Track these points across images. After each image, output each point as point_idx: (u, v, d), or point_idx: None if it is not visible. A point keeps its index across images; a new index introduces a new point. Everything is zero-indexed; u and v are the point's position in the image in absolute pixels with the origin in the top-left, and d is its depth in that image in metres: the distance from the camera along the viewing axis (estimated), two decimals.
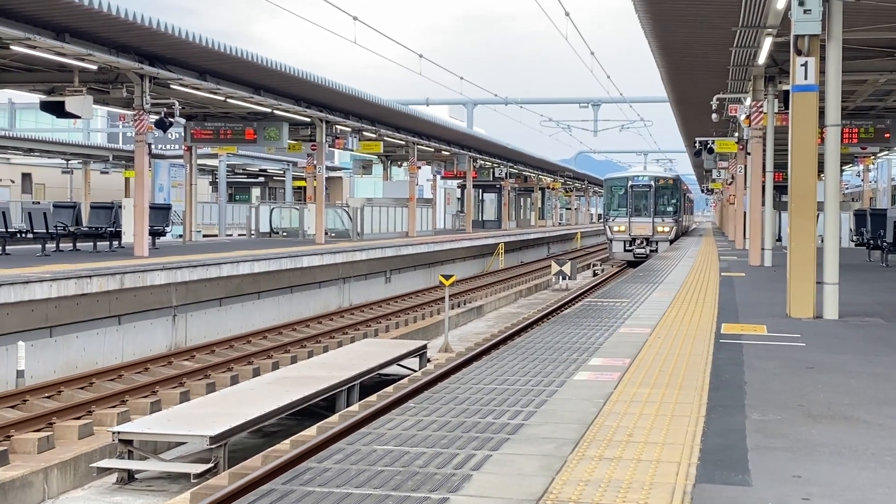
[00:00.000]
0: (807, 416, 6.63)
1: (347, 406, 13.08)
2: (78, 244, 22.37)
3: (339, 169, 60.43)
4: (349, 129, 30.86)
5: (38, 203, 32.04)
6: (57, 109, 19.08)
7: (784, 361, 8.94)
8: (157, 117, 21.78)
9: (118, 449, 10.35)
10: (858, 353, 9.58)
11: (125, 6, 16.22)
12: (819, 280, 12.52)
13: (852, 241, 30.38)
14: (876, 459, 5.53)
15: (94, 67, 18.99)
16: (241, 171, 55.33)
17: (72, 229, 21.69)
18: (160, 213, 24.46)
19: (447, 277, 19.97)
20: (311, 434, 10.96)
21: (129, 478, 10.17)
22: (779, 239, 30.57)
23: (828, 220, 12.69)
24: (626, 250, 41.87)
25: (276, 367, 16.29)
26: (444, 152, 42.99)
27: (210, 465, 9.92)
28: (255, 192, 61.54)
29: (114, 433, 10.39)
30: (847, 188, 61.88)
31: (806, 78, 12.15)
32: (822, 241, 12.76)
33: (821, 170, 12.77)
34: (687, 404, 6.99)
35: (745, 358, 9.11)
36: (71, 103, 18.84)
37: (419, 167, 40.50)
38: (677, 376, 8.13)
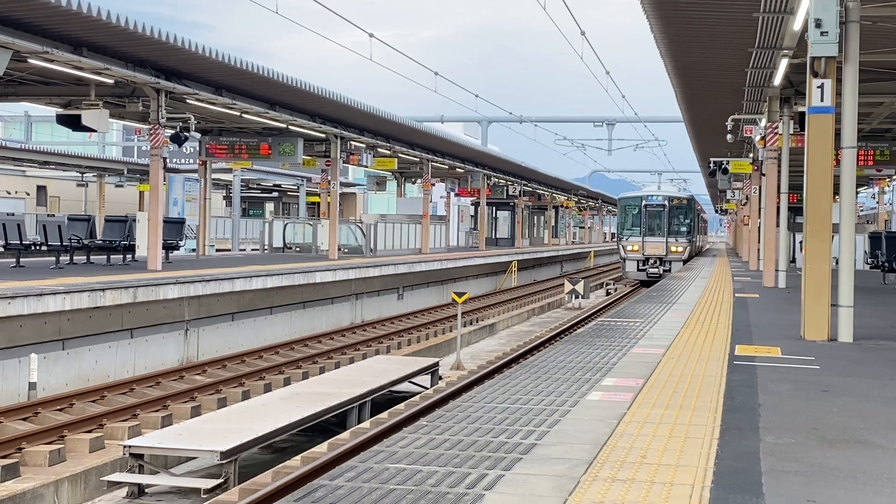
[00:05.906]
0: (821, 440, 6.58)
1: (359, 423, 13.05)
2: (92, 257, 22.43)
3: (354, 185, 60.58)
4: (364, 146, 30.92)
5: (53, 216, 32.18)
6: (73, 123, 19.18)
7: (798, 384, 8.89)
8: (172, 132, 21.82)
9: (129, 463, 10.35)
10: (873, 377, 9.52)
11: (142, 21, 16.31)
12: (834, 302, 12.45)
13: (867, 263, 30.28)
14: (892, 485, 5.49)
15: (111, 81, 19.07)
16: (255, 186, 55.49)
17: (86, 242, 21.73)
18: (174, 227, 24.52)
19: (460, 295, 19.94)
20: (323, 451, 10.93)
21: (139, 492, 10.15)
22: (793, 260, 30.46)
23: (843, 242, 12.62)
24: (639, 270, 41.81)
25: (287, 382, 16.28)
26: (458, 169, 43.06)
27: (220, 480, 9.90)
28: (269, 207, 61.77)
29: (125, 447, 10.39)
30: (862, 210, 61.73)
31: (822, 100, 12.11)
32: (837, 263, 12.69)
33: (836, 192, 12.72)
34: (700, 426, 6.95)
35: (759, 380, 9.06)
36: (87, 117, 18.93)
37: (433, 184, 40.55)
38: (691, 398, 8.09)
